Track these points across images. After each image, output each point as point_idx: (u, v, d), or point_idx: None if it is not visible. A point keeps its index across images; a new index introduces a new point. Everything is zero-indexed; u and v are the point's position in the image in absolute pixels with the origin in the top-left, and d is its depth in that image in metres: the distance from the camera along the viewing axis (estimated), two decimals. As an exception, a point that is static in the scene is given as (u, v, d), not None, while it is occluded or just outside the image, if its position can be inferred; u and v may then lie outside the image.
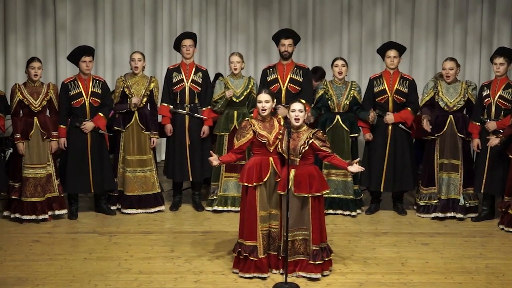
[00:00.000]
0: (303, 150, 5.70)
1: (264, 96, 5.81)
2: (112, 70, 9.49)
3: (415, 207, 7.58)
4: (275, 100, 5.90)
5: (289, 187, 5.69)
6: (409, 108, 7.42)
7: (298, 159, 5.72)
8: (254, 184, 5.73)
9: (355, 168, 5.72)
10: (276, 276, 5.77)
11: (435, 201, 7.37)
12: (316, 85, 7.83)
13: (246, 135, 5.78)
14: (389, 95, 7.40)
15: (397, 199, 7.69)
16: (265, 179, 5.74)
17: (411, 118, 7.43)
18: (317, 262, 5.76)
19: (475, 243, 6.64)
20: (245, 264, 5.78)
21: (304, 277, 5.76)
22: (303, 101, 5.96)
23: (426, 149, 7.46)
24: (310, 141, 5.71)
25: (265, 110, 5.80)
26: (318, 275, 5.76)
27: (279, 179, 5.76)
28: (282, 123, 5.86)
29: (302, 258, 5.79)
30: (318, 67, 8.60)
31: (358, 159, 5.92)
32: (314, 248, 5.75)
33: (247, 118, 5.94)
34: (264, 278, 5.74)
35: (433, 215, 7.36)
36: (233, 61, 7.52)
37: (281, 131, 5.82)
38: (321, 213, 5.80)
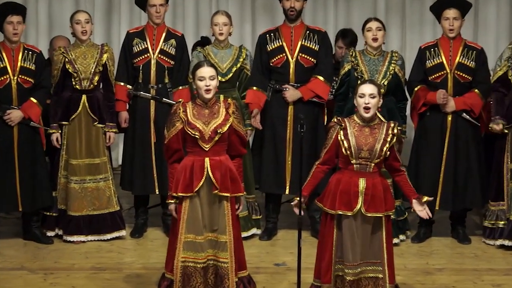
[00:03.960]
0: (388, 153, 5.64)
1: (207, 71, 5.71)
2: (48, 37, 9.24)
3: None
4: (218, 78, 5.87)
5: (359, 206, 5.60)
6: (476, 90, 7.27)
7: (372, 164, 5.64)
8: (180, 194, 5.67)
9: (421, 209, 5.75)
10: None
11: (503, 222, 7.31)
12: (343, 55, 7.73)
13: (176, 124, 5.72)
14: (448, 71, 7.27)
15: (457, 221, 7.52)
16: (196, 188, 5.67)
17: (479, 104, 7.28)
18: None
19: None
20: None
21: None
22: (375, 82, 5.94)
23: (496, 148, 7.38)
24: (394, 140, 5.67)
25: (209, 90, 5.70)
26: None
27: (216, 191, 5.70)
28: (231, 110, 5.77)
29: None
30: (347, 29, 8.36)
31: (429, 198, 5.81)
32: None
33: (180, 100, 5.84)
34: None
35: (499, 242, 7.28)
36: (218, 22, 7.37)
37: (328, 125, 5.88)
38: (391, 239, 5.82)
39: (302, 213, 5.70)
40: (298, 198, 5.69)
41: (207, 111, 5.75)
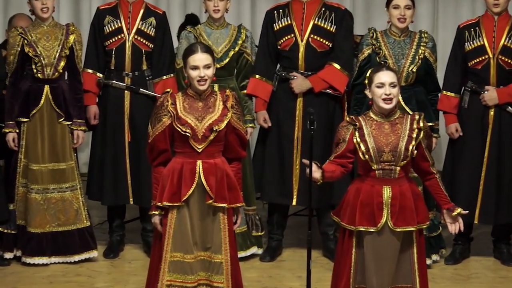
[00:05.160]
0: (414, 153, 5.48)
1: (201, 58, 5.58)
2: (3, 16, 9.44)
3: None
4: (215, 65, 5.74)
5: (384, 219, 5.47)
6: (525, 80, 7.10)
7: (398, 169, 5.48)
8: (165, 204, 5.53)
9: (452, 221, 5.63)
10: None
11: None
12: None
13: (162, 120, 5.60)
14: (491, 56, 7.21)
15: (501, 238, 7.46)
16: (185, 197, 5.55)
17: (528, 96, 7.11)
18: None
19: None
20: None
21: None
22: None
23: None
24: (421, 135, 5.50)
25: (204, 81, 5.58)
26: None
27: (211, 201, 5.59)
28: (230, 104, 5.67)
29: None
30: None
31: (464, 211, 5.65)
32: None
33: (168, 90, 5.70)
34: None
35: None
36: (212, -3, 7.20)
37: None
38: (424, 257, 5.66)
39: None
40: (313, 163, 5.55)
41: (201, 104, 5.62)
